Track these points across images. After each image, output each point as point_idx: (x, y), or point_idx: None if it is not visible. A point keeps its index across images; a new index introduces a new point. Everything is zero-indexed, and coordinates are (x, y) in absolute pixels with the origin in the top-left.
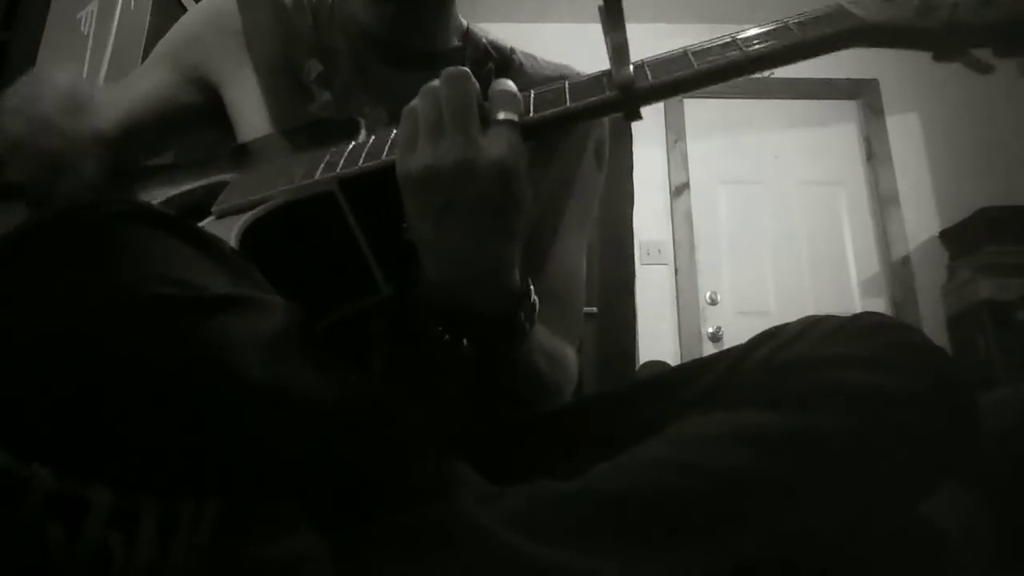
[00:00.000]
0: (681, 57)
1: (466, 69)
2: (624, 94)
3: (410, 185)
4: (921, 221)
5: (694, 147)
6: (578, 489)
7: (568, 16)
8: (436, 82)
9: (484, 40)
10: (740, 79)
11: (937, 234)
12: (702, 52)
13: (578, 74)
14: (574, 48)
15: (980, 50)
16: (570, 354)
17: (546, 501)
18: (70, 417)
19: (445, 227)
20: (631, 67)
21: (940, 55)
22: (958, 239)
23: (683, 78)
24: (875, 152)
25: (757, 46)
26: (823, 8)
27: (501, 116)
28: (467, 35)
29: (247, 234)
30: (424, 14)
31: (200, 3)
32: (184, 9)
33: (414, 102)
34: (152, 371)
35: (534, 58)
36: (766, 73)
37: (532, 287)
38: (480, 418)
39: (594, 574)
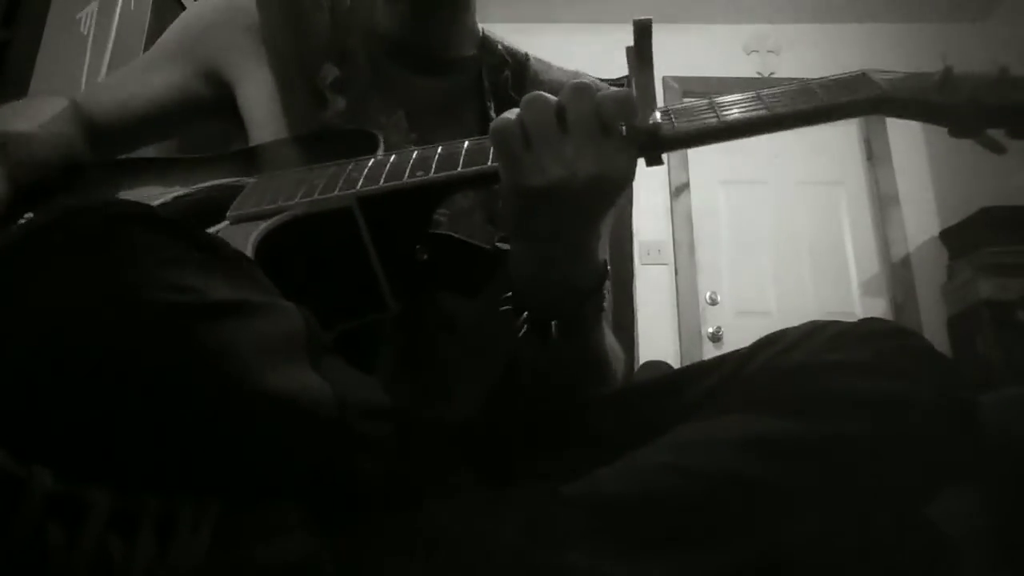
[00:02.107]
0: (707, 108)
1: (587, 82)
2: (650, 141)
3: (530, 200)
4: (921, 221)
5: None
6: (581, 492)
7: (571, 16)
8: (539, 94)
9: (500, 47)
10: (740, 79)
11: (937, 234)
12: (728, 105)
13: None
14: (576, 49)
15: (994, 130)
16: (620, 350)
17: (549, 504)
18: (70, 419)
19: (554, 229)
20: (658, 114)
21: (956, 132)
22: (958, 239)
23: (707, 130)
24: (875, 152)
25: (781, 106)
26: (848, 74)
27: (627, 127)
28: (483, 42)
29: (264, 242)
30: (438, 15)
31: None
32: (184, 9)
33: (511, 116)
34: (153, 375)
35: (548, 64)
36: (767, 73)
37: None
38: (487, 418)
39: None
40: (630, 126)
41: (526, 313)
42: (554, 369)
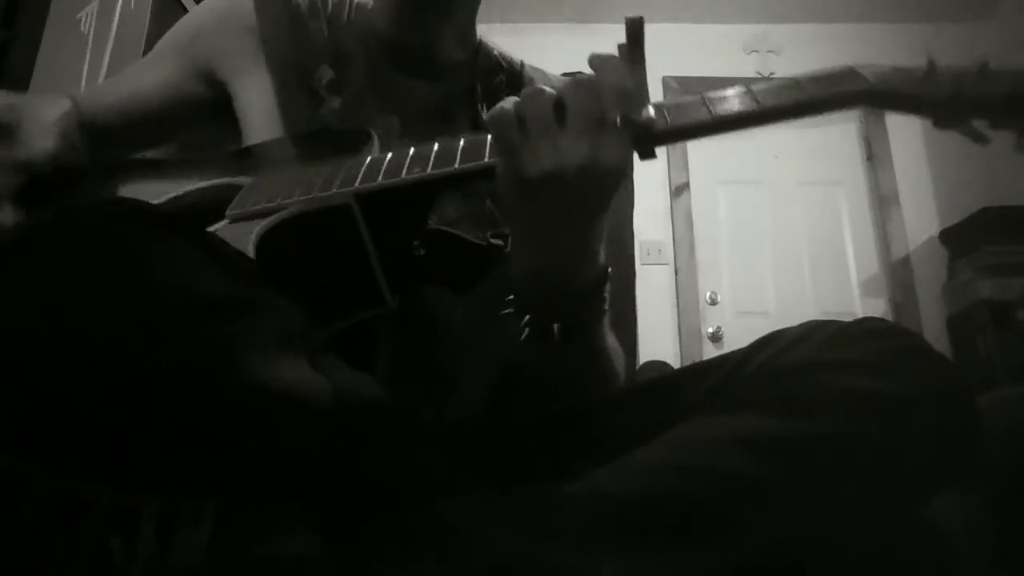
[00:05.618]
0: (699, 103)
1: (588, 77)
2: (643, 134)
3: (527, 189)
4: (921, 221)
5: (694, 147)
6: (580, 491)
7: (569, 17)
8: (539, 87)
9: (495, 52)
10: (740, 79)
11: (937, 234)
12: (719, 100)
13: None
14: (575, 49)
15: (977, 121)
16: (621, 350)
17: (549, 503)
18: (71, 418)
19: (552, 221)
20: (651, 108)
21: (940, 123)
22: (958, 239)
23: (700, 124)
24: (875, 152)
25: (771, 100)
26: (835, 68)
27: (621, 119)
28: (479, 47)
29: (263, 240)
30: (431, 12)
31: None
32: (184, 9)
33: (507, 105)
34: (154, 373)
35: (544, 72)
36: (767, 73)
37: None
38: (486, 416)
39: (597, 575)
40: (624, 118)
41: (528, 316)
42: (556, 371)
